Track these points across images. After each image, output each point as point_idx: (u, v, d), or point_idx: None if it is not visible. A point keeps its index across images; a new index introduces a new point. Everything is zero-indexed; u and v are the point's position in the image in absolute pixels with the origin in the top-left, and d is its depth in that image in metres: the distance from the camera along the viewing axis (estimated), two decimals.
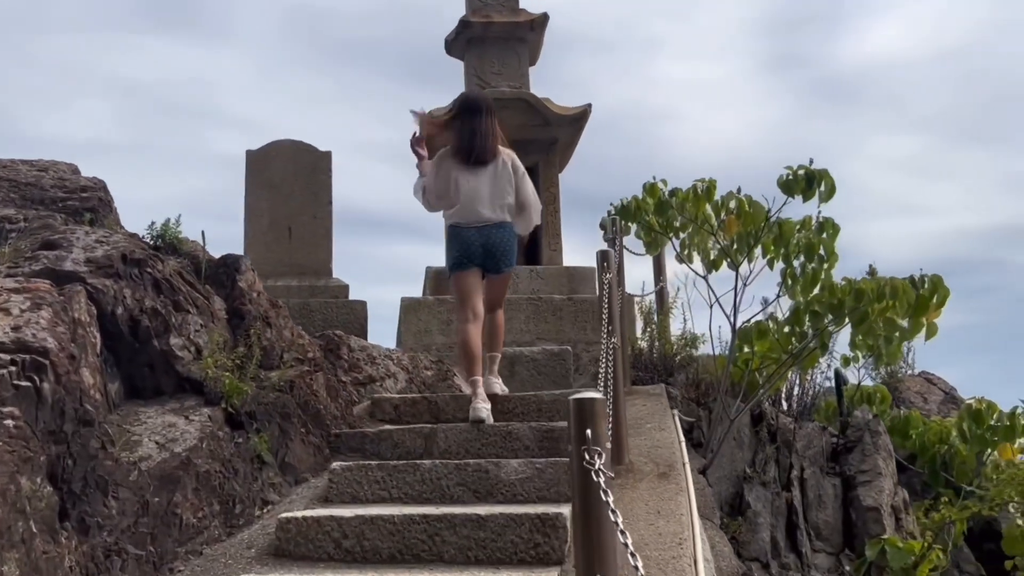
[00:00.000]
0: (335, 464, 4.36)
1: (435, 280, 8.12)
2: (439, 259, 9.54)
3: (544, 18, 9.07)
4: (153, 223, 5.52)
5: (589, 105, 8.72)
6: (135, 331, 4.55)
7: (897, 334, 5.40)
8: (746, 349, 5.90)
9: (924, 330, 5.43)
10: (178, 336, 4.71)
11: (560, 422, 4.90)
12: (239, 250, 7.66)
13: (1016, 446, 6.10)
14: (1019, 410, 6.08)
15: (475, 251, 5.32)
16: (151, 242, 5.45)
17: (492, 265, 5.37)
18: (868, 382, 7.78)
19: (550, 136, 8.78)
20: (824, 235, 5.51)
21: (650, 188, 6.05)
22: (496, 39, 9.12)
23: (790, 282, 5.63)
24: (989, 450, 6.20)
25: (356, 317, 8.63)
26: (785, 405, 6.79)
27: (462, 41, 9.20)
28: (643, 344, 6.96)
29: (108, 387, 4.25)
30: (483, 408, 4.98)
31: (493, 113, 5.66)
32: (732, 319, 5.97)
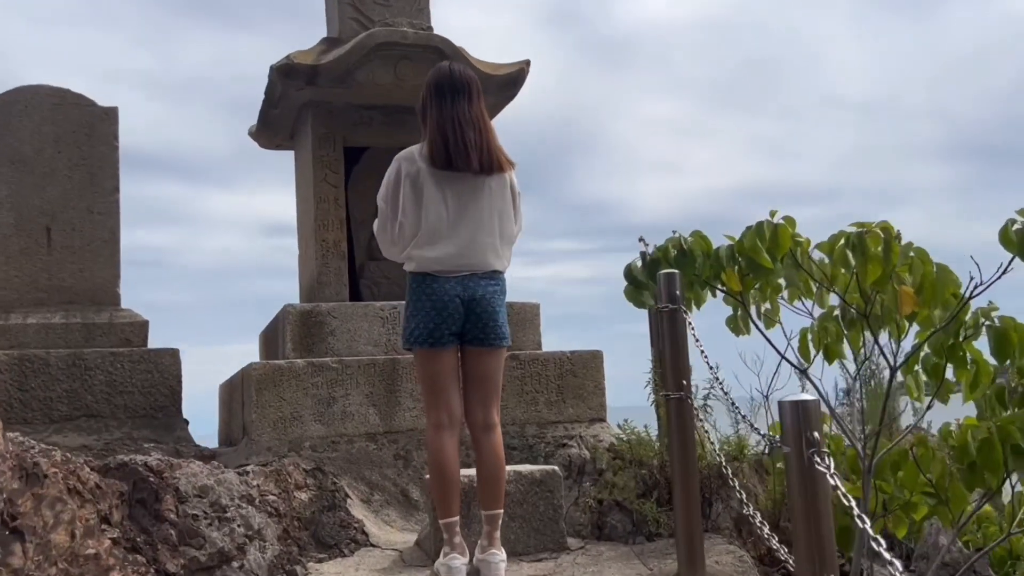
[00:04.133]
0: None
1: (301, 326, 5.15)
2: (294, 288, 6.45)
3: None
4: None
5: (527, 63, 5.98)
6: None
7: None
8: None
9: None
10: None
11: None
12: None
13: None
14: None
15: (454, 314, 3.38)
16: None
17: (480, 335, 3.43)
18: None
19: None
20: None
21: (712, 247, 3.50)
22: None
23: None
24: None
25: (164, 379, 5.50)
26: None
27: None
28: (659, 448, 4.44)
29: None
30: (459, 565, 3.27)
31: (482, 98, 3.57)
32: (862, 436, 3.60)
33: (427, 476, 3.61)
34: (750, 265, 3.41)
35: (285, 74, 5.40)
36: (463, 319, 3.36)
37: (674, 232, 3.93)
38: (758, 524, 3.04)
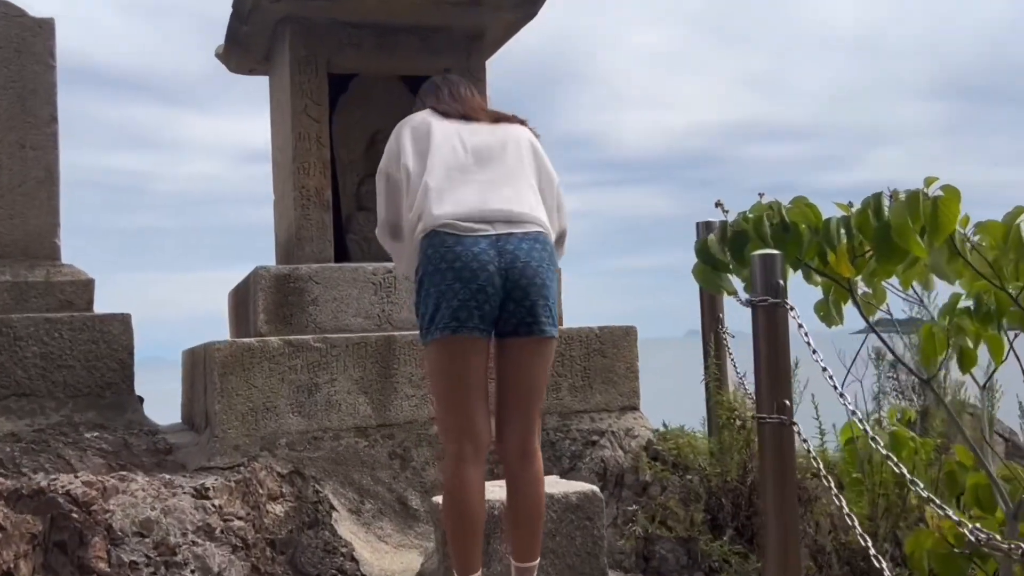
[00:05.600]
0: None
1: (276, 294, 4.24)
2: (267, 249, 5.41)
3: None
4: None
5: None
6: None
7: None
8: None
9: None
10: None
11: None
12: None
13: None
14: None
15: (487, 288, 2.44)
16: None
17: (525, 320, 2.51)
18: None
19: (476, 23, 4.96)
20: None
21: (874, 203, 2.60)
22: None
23: None
24: None
25: (112, 351, 4.60)
26: None
27: None
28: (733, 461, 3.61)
29: None
30: None
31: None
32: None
33: (442, 515, 2.76)
34: (882, 247, 2.53)
35: None
36: (500, 295, 2.47)
37: (760, 195, 3.04)
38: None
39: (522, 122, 2.77)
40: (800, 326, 2.63)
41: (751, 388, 3.22)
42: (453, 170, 2.55)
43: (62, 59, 4.95)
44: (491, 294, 2.44)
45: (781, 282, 2.58)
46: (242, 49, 5.21)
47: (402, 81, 5.26)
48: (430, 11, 4.79)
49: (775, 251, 2.65)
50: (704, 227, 4.19)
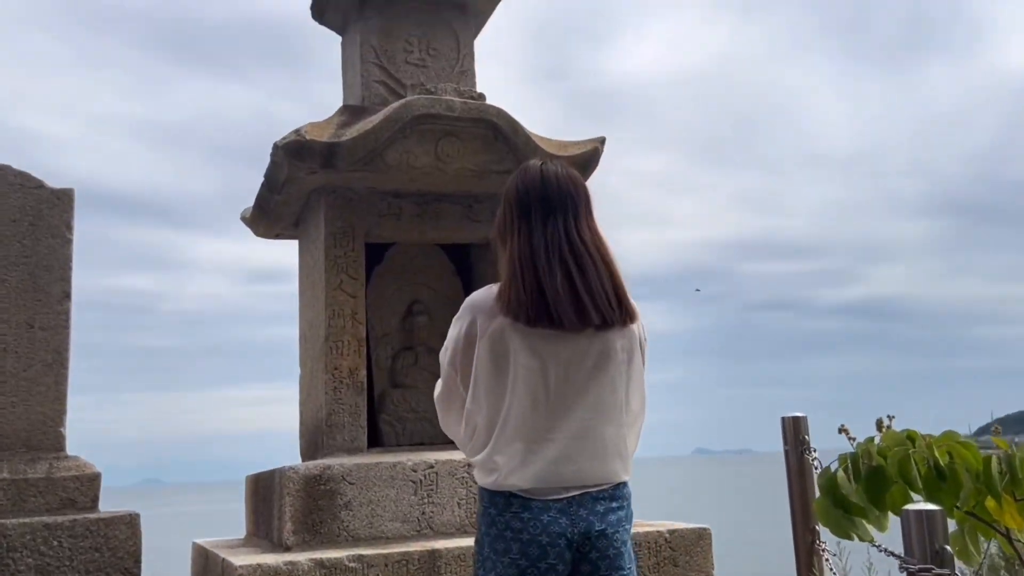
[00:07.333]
0: None
1: (306, 499, 3.73)
2: (289, 449, 4.90)
3: None
4: None
5: (601, 141, 4.67)
6: None
7: None
8: None
9: None
10: None
11: None
12: None
13: None
14: None
15: (556, 565, 2.05)
16: None
17: None
18: None
19: None
20: None
21: None
22: (415, 0, 4.85)
23: None
24: None
25: (117, 560, 4.11)
26: None
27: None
28: None
29: None
30: None
31: (592, 212, 2.29)
32: None
33: None
34: None
35: (294, 154, 4.08)
36: (569, 568, 2.06)
37: (888, 419, 2.58)
38: None
39: (632, 316, 2.22)
40: None
41: None
42: (534, 419, 2.10)
43: (78, 223, 4.62)
44: (560, 571, 2.06)
45: (948, 548, 2.09)
46: (271, 217, 4.90)
47: (441, 248, 4.92)
48: (475, 180, 4.49)
49: (934, 506, 2.16)
50: (792, 423, 3.72)
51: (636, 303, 2.25)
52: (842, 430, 2.62)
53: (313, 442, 4.50)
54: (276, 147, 4.11)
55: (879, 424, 2.68)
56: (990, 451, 2.46)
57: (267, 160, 4.38)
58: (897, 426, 2.79)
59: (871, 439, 2.62)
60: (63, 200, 4.54)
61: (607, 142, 4.74)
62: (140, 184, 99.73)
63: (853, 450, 2.65)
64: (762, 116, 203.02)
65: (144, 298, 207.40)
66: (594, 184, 4.62)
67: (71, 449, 4.39)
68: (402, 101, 4.21)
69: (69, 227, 4.55)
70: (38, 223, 4.47)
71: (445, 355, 2.29)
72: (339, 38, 5.16)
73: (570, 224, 2.21)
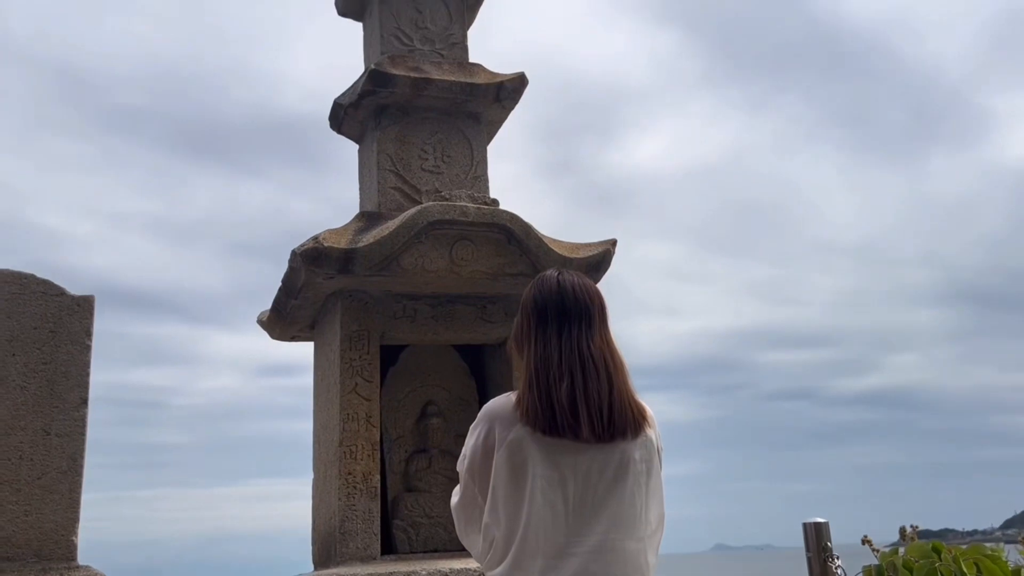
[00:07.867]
0: None
1: None
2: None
3: (521, 81, 5.09)
4: None
5: (612, 243, 4.73)
6: None
7: None
8: None
9: None
10: None
11: None
12: None
13: None
14: None
15: None
16: None
17: None
18: None
19: None
20: None
21: None
22: (430, 111, 5.01)
23: None
24: None
25: None
26: None
27: (368, 110, 4.99)
28: None
29: None
30: None
31: (607, 322, 2.30)
32: None
33: None
34: None
35: (312, 260, 4.15)
36: None
37: (912, 529, 2.54)
38: None
39: (638, 424, 2.18)
40: None
41: None
42: (553, 534, 2.07)
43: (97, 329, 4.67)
44: None
45: None
46: (288, 320, 4.95)
47: (455, 349, 4.94)
48: (488, 282, 4.54)
49: None
50: (813, 529, 3.64)
51: (647, 406, 2.24)
52: (865, 541, 2.58)
53: (326, 549, 4.43)
54: (294, 254, 4.19)
55: (903, 533, 2.64)
56: (1020, 563, 2.42)
57: (281, 256, 4.46)
58: (921, 522, 2.74)
59: (895, 550, 2.58)
60: (83, 307, 4.60)
61: (617, 232, 4.81)
62: (153, 280, 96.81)
63: (877, 561, 2.60)
64: (770, 207, 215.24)
65: (154, 393, 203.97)
66: (604, 278, 4.70)
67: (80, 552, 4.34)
68: (418, 207, 4.30)
69: (88, 334, 4.60)
70: (58, 330, 4.53)
71: (463, 464, 2.27)
72: (355, 146, 5.31)
73: (583, 335, 2.22)
